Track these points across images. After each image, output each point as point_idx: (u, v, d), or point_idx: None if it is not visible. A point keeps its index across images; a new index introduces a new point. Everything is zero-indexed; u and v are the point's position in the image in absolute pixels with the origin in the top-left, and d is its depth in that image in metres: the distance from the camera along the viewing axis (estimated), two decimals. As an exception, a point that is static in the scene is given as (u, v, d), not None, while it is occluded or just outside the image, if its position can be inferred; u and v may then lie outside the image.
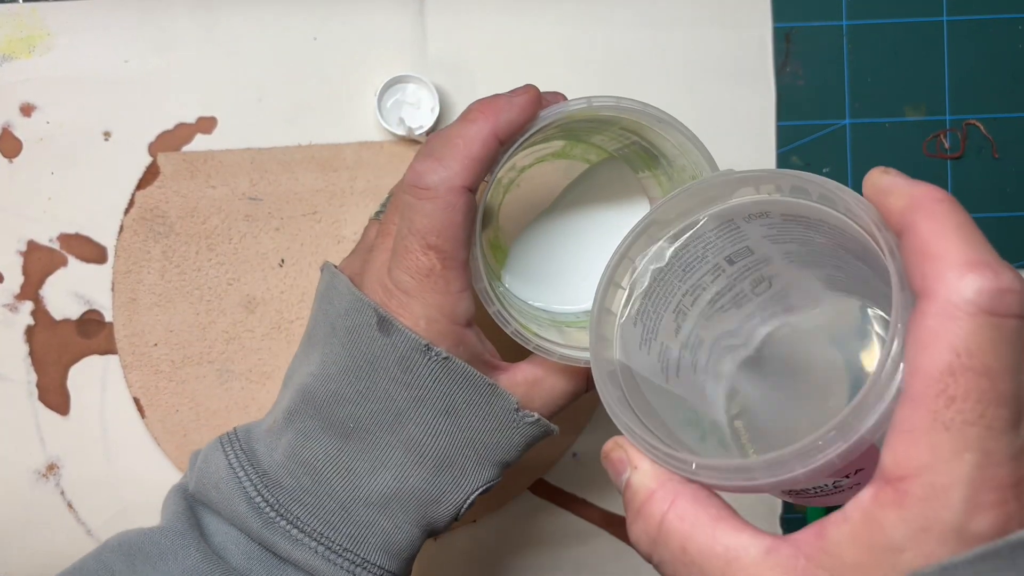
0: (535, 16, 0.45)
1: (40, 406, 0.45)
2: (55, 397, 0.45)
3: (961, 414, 0.20)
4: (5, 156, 0.45)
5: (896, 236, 0.23)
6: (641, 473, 0.26)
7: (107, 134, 0.45)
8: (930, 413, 0.20)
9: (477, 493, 0.33)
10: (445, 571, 0.46)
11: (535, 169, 0.38)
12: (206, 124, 0.45)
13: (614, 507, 0.46)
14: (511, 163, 0.36)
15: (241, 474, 0.31)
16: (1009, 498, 0.20)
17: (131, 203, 0.45)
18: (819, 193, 0.27)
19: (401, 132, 0.44)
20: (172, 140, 0.45)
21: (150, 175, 0.45)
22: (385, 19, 0.45)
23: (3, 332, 0.45)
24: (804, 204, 0.28)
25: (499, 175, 0.33)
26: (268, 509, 0.30)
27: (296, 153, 0.45)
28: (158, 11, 0.45)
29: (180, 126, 0.45)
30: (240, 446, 0.32)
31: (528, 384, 0.33)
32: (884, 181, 0.24)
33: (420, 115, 0.45)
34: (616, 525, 0.46)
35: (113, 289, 0.45)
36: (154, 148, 0.45)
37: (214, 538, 0.31)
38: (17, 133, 0.45)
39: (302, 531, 0.30)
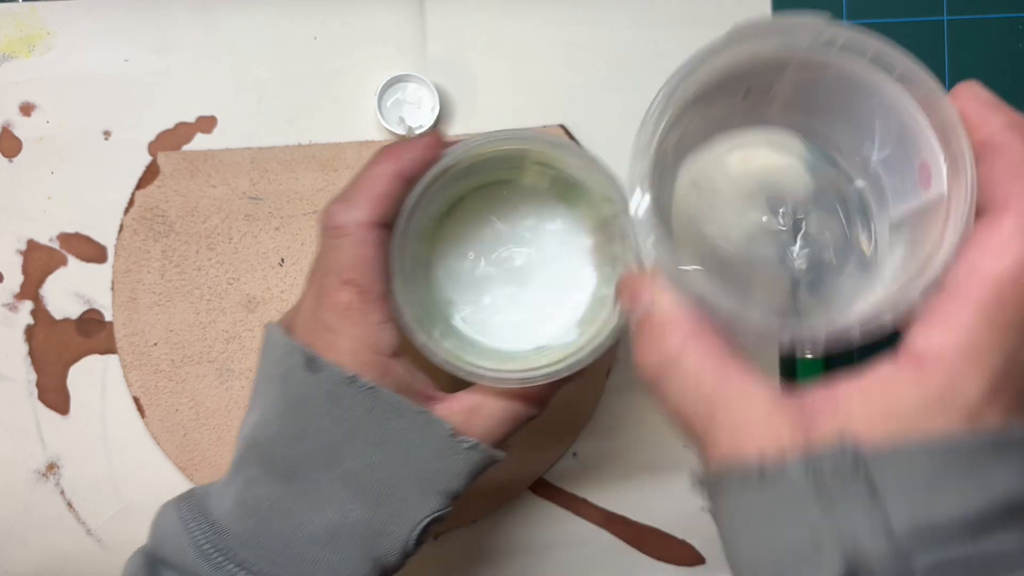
0: (535, 16, 0.45)
1: (40, 406, 0.45)
2: (55, 396, 0.45)
3: (1007, 318, 0.23)
4: (5, 155, 0.45)
5: (974, 144, 0.25)
6: (663, 303, 0.27)
7: (107, 133, 0.45)
8: (980, 310, 0.23)
9: (423, 524, 0.33)
10: (445, 571, 0.46)
11: (468, 203, 0.39)
12: (206, 123, 0.45)
13: (614, 507, 0.46)
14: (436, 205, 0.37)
15: (192, 525, 0.32)
16: (1020, 405, 0.23)
17: (131, 202, 0.45)
18: (875, 53, 0.28)
19: (401, 131, 0.44)
20: (172, 139, 0.45)
21: (150, 174, 0.45)
22: (385, 19, 0.45)
23: (3, 331, 0.45)
24: (853, 59, 0.28)
25: (422, 216, 0.35)
26: (216, 555, 0.31)
27: (296, 152, 0.45)
28: (158, 10, 0.45)
29: (180, 125, 0.45)
30: (194, 501, 0.33)
31: (466, 411, 0.33)
32: (988, 96, 0.26)
33: (420, 114, 0.45)
34: (616, 524, 0.46)
35: (113, 288, 0.45)
36: (154, 147, 0.45)
37: None
38: (17, 132, 0.45)
39: (250, 572, 0.31)
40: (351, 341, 0.32)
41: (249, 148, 0.45)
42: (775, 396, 0.25)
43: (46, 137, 0.45)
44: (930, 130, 0.27)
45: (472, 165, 0.35)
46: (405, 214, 0.33)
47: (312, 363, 0.32)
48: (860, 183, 0.32)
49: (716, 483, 0.26)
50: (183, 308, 0.45)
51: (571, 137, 0.45)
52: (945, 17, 0.46)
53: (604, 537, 0.46)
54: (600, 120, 0.46)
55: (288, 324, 0.34)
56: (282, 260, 0.45)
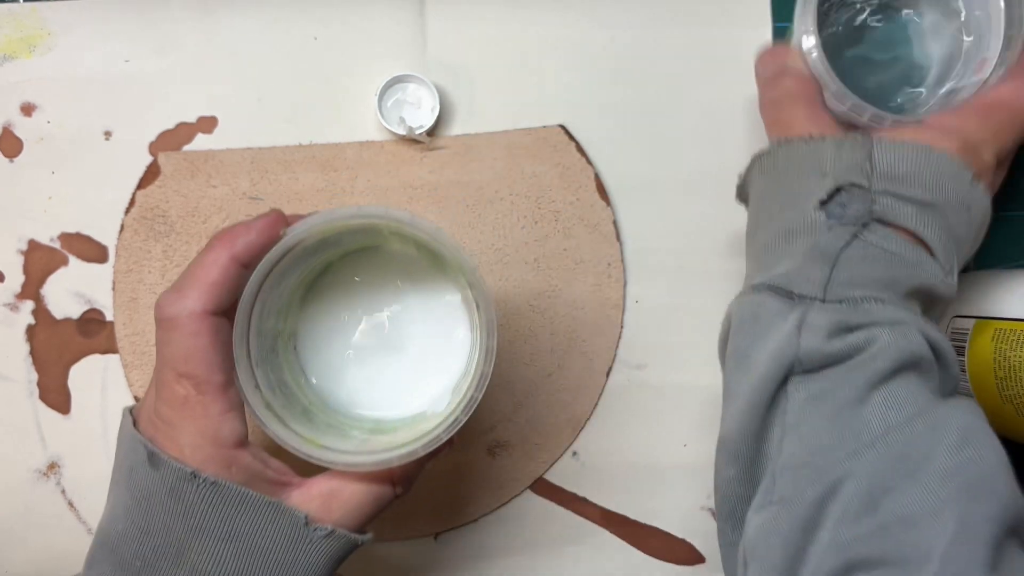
0: (535, 16, 0.46)
1: (41, 405, 0.45)
2: (56, 396, 0.45)
3: (994, 120, 0.36)
4: (6, 156, 0.45)
5: None
6: (796, 63, 0.39)
7: (108, 133, 0.45)
8: (977, 109, 0.36)
9: None
10: (445, 571, 0.46)
11: (338, 271, 0.38)
12: (207, 124, 0.45)
13: (614, 506, 0.46)
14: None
15: None
16: (981, 166, 0.35)
17: (132, 202, 0.45)
18: None
19: (402, 132, 0.44)
20: (173, 139, 0.45)
21: (151, 174, 0.45)
22: (385, 19, 0.45)
23: (4, 331, 0.45)
24: None
25: (277, 292, 0.34)
26: None
27: (296, 153, 0.45)
28: (159, 11, 0.45)
29: (181, 126, 0.45)
30: None
31: (324, 496, 0.33)
32: None
33: (421, 115, 0.45)
34: (616, 524, 0.46)
35: (114, 288, 0.45)
36: (155, 147, 0.45)
37: None
38: (18, 133, 0.45)
39: None
40: (191, 436, 0.31)
41: (250, 148, 0.45)
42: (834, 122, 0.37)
43: (47, 137, 0.45)
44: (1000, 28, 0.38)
45: (326, 239, 0.34)
46: (248, 298, 0.32)
47: (153, 459, 0.31)
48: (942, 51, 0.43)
49: (774, 147, 0.37)
50: (184, 308, 0.45)
51: (571, 137, 0.45)
52: (944, 17, 0.46)
53: (604, 536, 0.46)
54: (600, 119, 0.46)
55: (136, 413, 0.33)
56: (282, 260, 0.45)
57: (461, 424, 0.32)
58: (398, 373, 0.38)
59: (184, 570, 0.31)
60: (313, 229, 0.33)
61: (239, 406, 0.32)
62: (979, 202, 0.35)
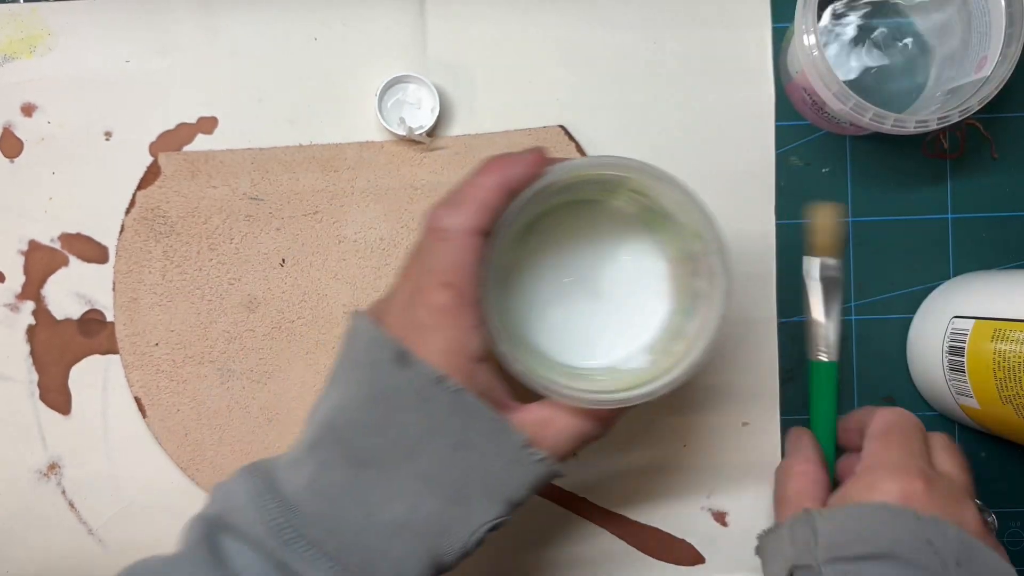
0: (535, 16, 0.46)
1: (41, 406, 0.45)
2: (56, 397, 0.45)
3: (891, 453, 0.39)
4: (6, 156, 0.45)
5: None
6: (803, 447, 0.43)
7: (108, 134, 0.45)
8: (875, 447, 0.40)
9: (484, 528, 0.33)
10: (446, 570, 0.46)
11: (554, 217, 0.40)
12: (207, 124, 0.45)
13: (614, 507, 0.46)
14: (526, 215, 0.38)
15: (264, 499, 0.32)
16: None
17: (132, 203, 0.45)
18: None
19: (402, 132, 0.44)
20: (173, 140, 0.45)
21: (151, 175, 0.45)
22: (385, 19, 0.45)
23: (4, 332, 0.45)
24: None
25: (513, 227, 0.35)
26: (289, 531, 0.31)
27: (297, 153, 0.45)
28: (159, 11, 0.45)
29: (181, 126, 0.45)
30: (263, 475, 0.33)
31: (538, 424, 0.34)
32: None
33: (421, 115, 0.45)
34: (616, 524, 0.46)
35: (114, 289, 0.45)
36: (155, 148, 0.45)
37: (233, 561, 0.32)
38: (18, 133, 0.45)
39: (320, 552, 0.31)
40: (443, 342, 0.32)
41: (250, 149, 0.45)
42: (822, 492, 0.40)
43: (47, 137, 0.45)
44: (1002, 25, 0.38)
45: (568, 184, 0.36)
46: (504, 225, 0.34)
47: (403, 358, 0.32)
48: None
49: (760, 535, 0.41)
50: (184, 308, 0.45)
51: (571, 137, 0.45)
52: None
53: (604, 536, 0.46)
54: (600, 120, 0.46)
55: (377, 315, 0.34)
56: (283, 260, 0.45)
57: (679, 384, 0.34)
58: (593, 325, 0.39)
59: (411, 469, 0.32)
60: (572, 172, 0.34)
61: (483, 323, 0.33)
62: (939, 533, 0.35)
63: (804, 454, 0.42)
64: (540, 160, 0.34)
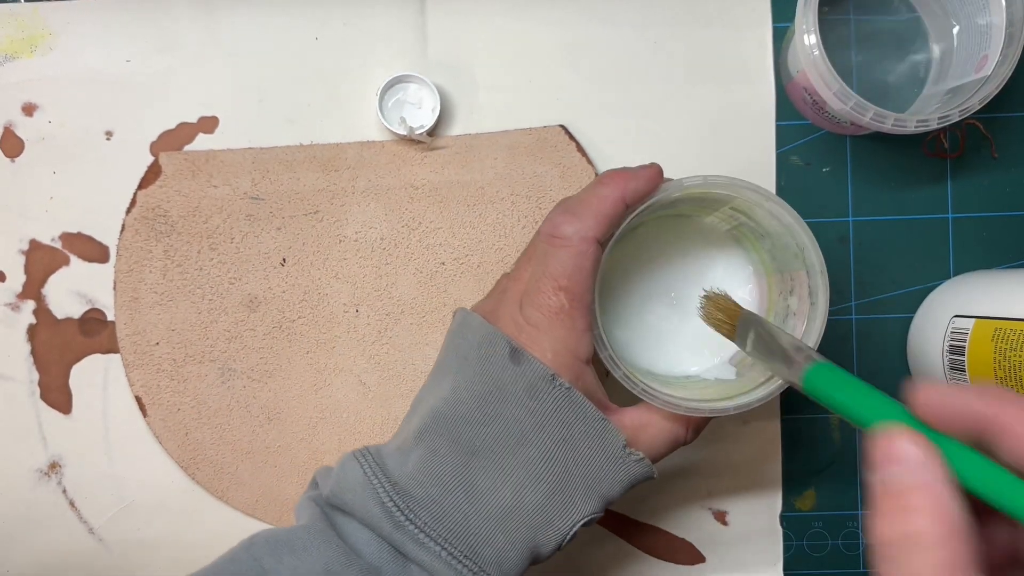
0: (535, 16, 0.46)
1: (42, 405, 0.45)
2: (57, 396, 0.45)
3: None
4: (7, 155, 0.45)
5: None
6: (924, 487, 0.23)
7: (109, 133, 0.45)
8: None
9: (581, 522, 0.35)
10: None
11: (647, 228, 0.41)
12: (208, 123, 0.45)
13: (614, 506, 0.46)
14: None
15: (375, 482, 0.34)
16: None
17: (133, 202, 0.45)
18: None
19: (402, 132, 0.44)
20: (174, 139, 0.45)
21: (152, 174, 0.45)
22: (386, 19, 0.45)
23: (5, 331, 0.45)
24: None
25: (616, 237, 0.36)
26: (399, 514, 0.33)
27: (298, 153, 0.45)
28: (160, 11, 0.45)
29: (182, 125, 0.45)
30: (373, 460, 0.35)
31: (635, 427, 0.36)
32: None
33: (421, 115, 0.45)
34: (616, 524, 0.46)
35: (115, 288, 0.45)
36: (156, 147, 0.45)
37: (349, 538, 0.34)
38: (19, 132, 0.45)
39: (428, 536, 0.33)
40: (555, 342, 0.34)
41: (250, 148, 0.45)
42: None
43: (48, 137, 0.45)
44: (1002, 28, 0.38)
45: (675, 200, 0.37)
46: (616, 236, 0.35)
47: (516, 354, 0.34)
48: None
49: None
50: (185, 308, 0.45)
51: (571, 137, 0.45)
52: None
53: (604, 536, 0.46)
54: (600, 120, 0.46)
55: (487, 314, 0.36)
56: (283, 260, 0.45)
57: (770, 398, 0.35)
58: (680, 335, 0.41)
59: (518, 459, 0.34)
60: (685, 190, 0.35)
61: (592, 327, 0.35)
62: None
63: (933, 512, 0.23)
64: (657, 175, 0.35)
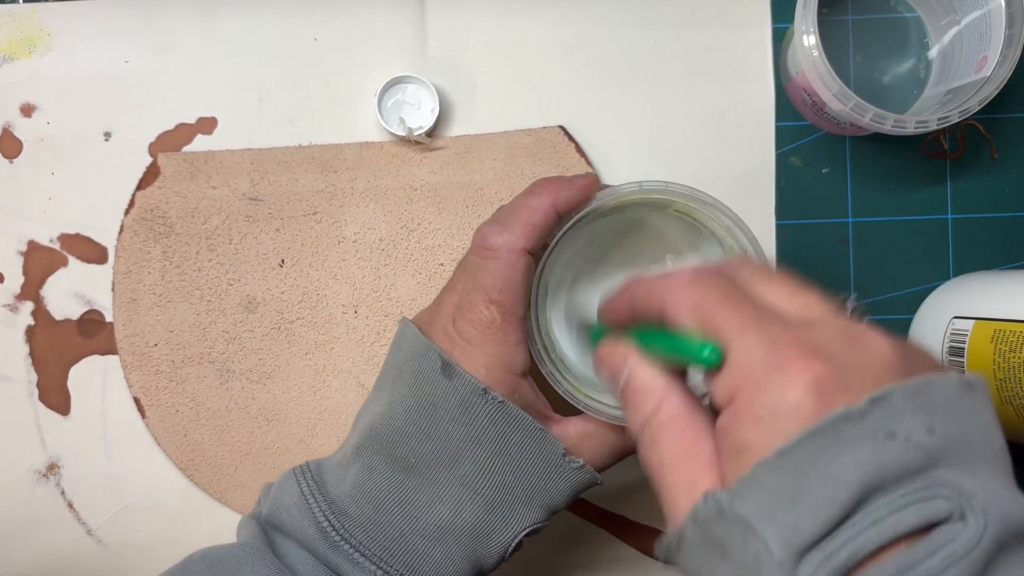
0: (535, 16, 0.46)
1: (41, 406, 0.45)
2: (56, 397, 0.45)
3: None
4: (5, 156, 0.45)
5: None
6: (638, 374, 0.28)
7: (107, 134, 0.45)
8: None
9: (524, 533, 0.35)
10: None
11: (600, 236, 0.40)
12: (206, 124, 0.45)
13: (613, 507, 0.46)
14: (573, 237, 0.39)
15: (311, 501, 0.34)
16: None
17: (131, 203, 0.45)
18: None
19: (401, 132, 0.44)
20: (172, 140, 0.45)
21: (150, 175, 0.45)
22: (385, 20, 0.45)
23: (4, 332, 0.45)
24: None
25: (559, 247, 0.36)
26: (334, 534, 0.33)
27: (296, 154, 0.45)
28: (158, 11, 0.45)
29: (180, 126, 0.45)
30: (311, 477, 0.35)
31: (579, 436, 0.35)
32: None
33: (420, 115, 0.45)
34: (616, 524, 0.46)
35: (113, 289, 0.45)
36: (154, 148, 0.45)
37: (285, 558, 0.34)
38: (17, 133, 0.45)
39: (363, 555, 0.33)
40: (487, 357, 0.34)
41: (249, 149, 0.45)
42: (710, 455, 0.26)
43: (47, 138, 0.45)
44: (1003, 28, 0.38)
45: (615, 207, 0.37)
46: (551, 247, 0.35)
47: (448, 369, 0.34)
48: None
49: (668, 546, 0.26)
50: (183, 309, 0.45)
51: (571, 138, 0.45)
52: None
53: (604, 537, 0.46)
54: (600, 120, 0.46)
55: (423, 325, 0.36)
56: (282, 261, 0.45)
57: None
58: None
59: (454, 476, 0.34)
60: (619, 197, 0.35)
61: (527, 340, 0.35)
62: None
63: (648, 385, 0.28)
64: (591, 184, 0.35)
